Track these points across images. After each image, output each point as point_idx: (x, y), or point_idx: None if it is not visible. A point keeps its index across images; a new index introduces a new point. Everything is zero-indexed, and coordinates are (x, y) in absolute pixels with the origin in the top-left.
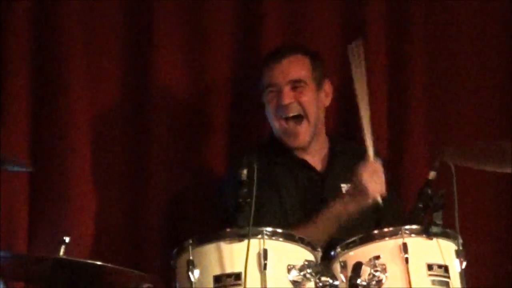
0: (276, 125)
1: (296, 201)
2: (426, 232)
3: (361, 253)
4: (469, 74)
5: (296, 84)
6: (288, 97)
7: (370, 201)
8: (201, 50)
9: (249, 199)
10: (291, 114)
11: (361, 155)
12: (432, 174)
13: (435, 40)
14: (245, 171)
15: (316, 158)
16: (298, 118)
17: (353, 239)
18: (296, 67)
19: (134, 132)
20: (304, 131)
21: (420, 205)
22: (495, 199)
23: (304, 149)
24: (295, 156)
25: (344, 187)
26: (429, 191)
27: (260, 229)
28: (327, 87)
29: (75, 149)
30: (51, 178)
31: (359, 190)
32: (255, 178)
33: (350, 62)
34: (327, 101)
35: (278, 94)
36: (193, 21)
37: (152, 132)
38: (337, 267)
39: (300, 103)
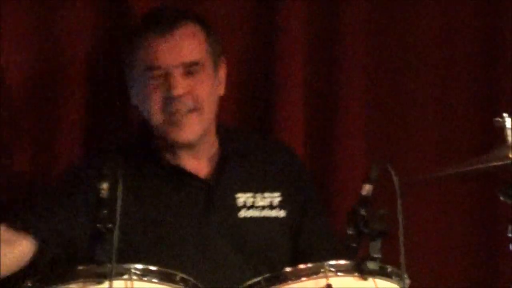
0: (159, 119)
1: (170, 222)
2: (359, 269)
3: None
4: (418, 73)
5: (190, 69)
6: (180, 86)
7: None
8: (52, 23)
9: (111, 224)
10: (184, 109)
11: (263, 154)
12: (367, 189)
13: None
14: (105, 185)
15: (202, 162)
16: (190, 112)
17: (256, 279)
18: (190, 44)
19: None
20: (195, 122)
21: (351, 231)
22: (454, 221)
23: (188, 148)
24: (166, 162)
25: (241, 197)
26: (363, 212)
27: (127, 266)
28: (223, 70)
29: None
30: None
31: None
32: (119, 195)
33: None
34: (221, 90)
35: (165, 80)
36: None
37: None
38: None
39: (194, 96)
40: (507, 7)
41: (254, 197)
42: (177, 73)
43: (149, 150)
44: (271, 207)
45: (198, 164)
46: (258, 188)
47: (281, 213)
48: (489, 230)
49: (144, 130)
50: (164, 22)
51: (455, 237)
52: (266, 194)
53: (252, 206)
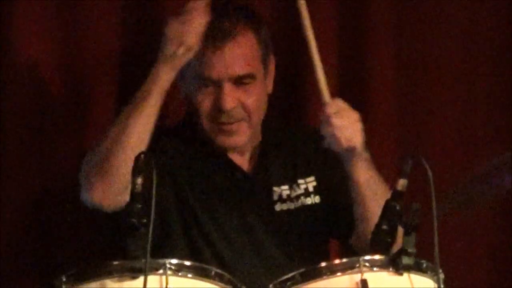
0: (208, 125)
1: (213, 214)
2: (394, 264)
3: None
4: (448, 67)
5: (242, 81)
6: (231, 100)
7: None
8: (76, 17)
9: (145, 219)
10: (232, 120)
11: (297, 141)
12: (402, 183)
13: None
14: (139, 180)
15: (245, 156)
16: (238, 121)
17: (291, 274)
18: (244, 56)
19: None
20: (243, 130)
21: (385, 227)
22: (488, 217)
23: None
24: (214, 152)
25: (277, 191)
26: (398, 207)
27: (161, 261)
28: (272, 66)
29: None
30: None
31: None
32: (153, 190)
33: (302, 17)
34: (271, 86)
35: (215, 91)
36: None
37: (6, 126)
38: None
39: (244, 106)
40: None
41: (290, 188)
42: (228, 85)
43: (196, 139)
44: (306, 194)
45: (242, 158)
46: (294, 176)
47: (316, 199)
48: None
49: (191, 119)
50: (218, 32)
51: (480, 235)
52: (301, 181)
53: (287, 199)
